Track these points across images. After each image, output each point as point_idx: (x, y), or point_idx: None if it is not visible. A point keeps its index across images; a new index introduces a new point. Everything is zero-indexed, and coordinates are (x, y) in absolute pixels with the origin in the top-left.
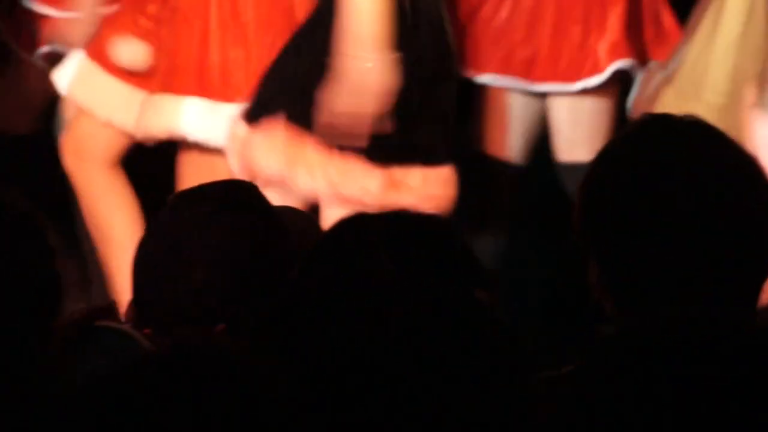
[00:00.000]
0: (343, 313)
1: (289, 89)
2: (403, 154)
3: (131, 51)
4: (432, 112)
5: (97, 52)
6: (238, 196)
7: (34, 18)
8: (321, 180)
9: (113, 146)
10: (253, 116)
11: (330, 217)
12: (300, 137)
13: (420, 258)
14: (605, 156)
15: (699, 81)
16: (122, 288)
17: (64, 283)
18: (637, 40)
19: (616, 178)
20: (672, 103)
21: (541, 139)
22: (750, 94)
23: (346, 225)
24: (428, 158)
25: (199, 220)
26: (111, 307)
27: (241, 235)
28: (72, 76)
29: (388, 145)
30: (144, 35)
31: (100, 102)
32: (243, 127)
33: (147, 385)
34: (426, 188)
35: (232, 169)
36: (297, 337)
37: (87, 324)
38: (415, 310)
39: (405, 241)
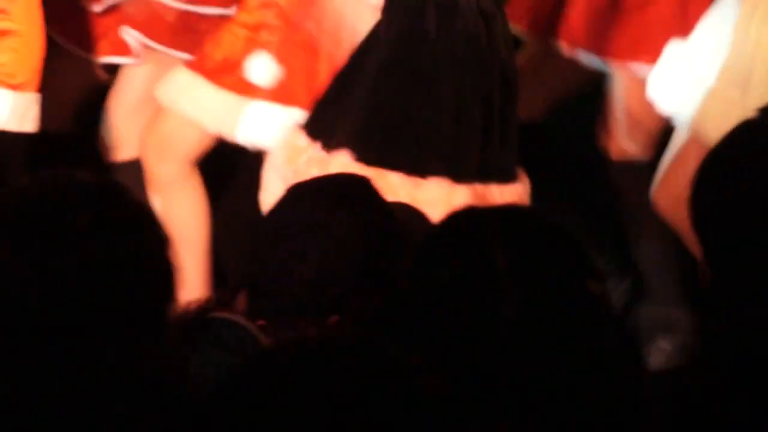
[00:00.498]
0: (457, 307)
1: (360, 122)
2: (484, 173)
3: (264, 67)
4: (503, 131)
5: (204, 66)
6: (353, 190)
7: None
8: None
9: (198, 146)
10: (323, 138)
11: None
12: (381, 170)
13: (534, 251)
14: (719, 154)
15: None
16: (191, 285)
17: (177, 272)
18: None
19: (729, 178)
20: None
21: None
22: None
23: (459, 218)
24: (505, 177)
25: (315, 213)
26: (225, 298)
27: (355, 228)
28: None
29: (470, 164)
30: (269, 49)
31: (203, 111)
32: (314, 149)
33: (285, 381)
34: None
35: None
36: (411, 331)
37: (202, 315)
38: (531, 304)
39: (518, 235)
